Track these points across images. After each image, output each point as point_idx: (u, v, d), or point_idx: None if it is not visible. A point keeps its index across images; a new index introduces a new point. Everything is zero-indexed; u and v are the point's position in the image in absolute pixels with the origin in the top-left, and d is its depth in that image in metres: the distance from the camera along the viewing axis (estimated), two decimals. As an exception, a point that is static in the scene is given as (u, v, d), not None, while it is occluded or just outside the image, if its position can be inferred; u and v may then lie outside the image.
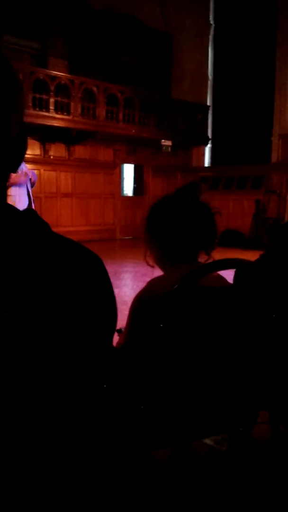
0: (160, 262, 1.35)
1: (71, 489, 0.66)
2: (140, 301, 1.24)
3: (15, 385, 0.60)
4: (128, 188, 12.46)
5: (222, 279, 1.28)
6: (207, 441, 1.83)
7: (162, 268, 1.35)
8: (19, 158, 0.66)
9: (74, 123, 9.54)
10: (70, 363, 0.63)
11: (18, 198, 5.30)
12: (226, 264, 1.17)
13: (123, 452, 0.86)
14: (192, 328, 1.08)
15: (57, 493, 0.65)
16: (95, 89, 9.90)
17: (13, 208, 0.66)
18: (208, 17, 12.35)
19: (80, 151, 10.48)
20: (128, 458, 0.96)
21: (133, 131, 10.63)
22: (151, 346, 1.02)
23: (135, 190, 12.25)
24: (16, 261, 0.62)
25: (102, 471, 0.72)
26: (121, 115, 10.38)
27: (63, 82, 9.36)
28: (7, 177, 0.66)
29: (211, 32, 12.41)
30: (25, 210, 0.67)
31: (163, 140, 11.13)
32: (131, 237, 11.00)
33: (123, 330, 1.28)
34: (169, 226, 1.31)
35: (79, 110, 9.61)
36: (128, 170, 12.31)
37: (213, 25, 12.41)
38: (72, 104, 9.47)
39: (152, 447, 1.34)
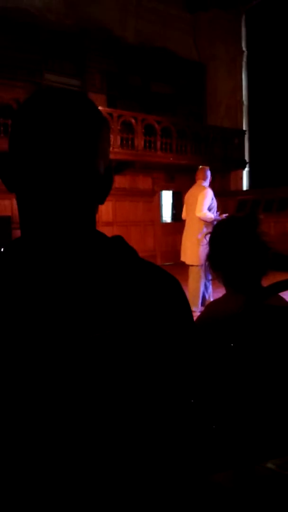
0: (225, 286, 1.38)
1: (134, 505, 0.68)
2: (203, 323, 1.27)
3: (105, 398, 0.65)
4: (167, 214, 12.56)
5: (282, 299, 1.30)
6: (269, 465, 1.79)
7: (227, 291, 1.38)
8: (106, 191, 0.72)
9: (114, 154, 9.78)
10: (156, 377, 0.68)
11: None
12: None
13: (188, 473, 0.87)
14: (263, 348, 1.11)
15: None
16: (133, 120, 10.16)
17: (103, 236, 0.72)
18: (241, 44, 12.53)
19: (120, 180, 10.70)
20: (191, 480, 0.97)
21: (171, 158, 10.79)
22: (220, 366, 1.05)
23: (174, 216, 12.33)
24: (107, 284, 0.68)
25: (168, 488, 0.74)
26: (158, 144, 10.59)
27: (102, 115, 9.67)
28: (96, 209, 0.72)
29: (244, 58, 12.56)
30: (114, 237, 0.73)
31: (200, 166, 11.21)
32: (171, 263, 11.02)
33: None
34: (232, 258, 1.33)
35: (118, 142, 9.88)
36: (167, 197, 12.43)
37: (246, 51, 12.57)
38: (111, 136, 9.74)
39: (214, 470, 1.33)
